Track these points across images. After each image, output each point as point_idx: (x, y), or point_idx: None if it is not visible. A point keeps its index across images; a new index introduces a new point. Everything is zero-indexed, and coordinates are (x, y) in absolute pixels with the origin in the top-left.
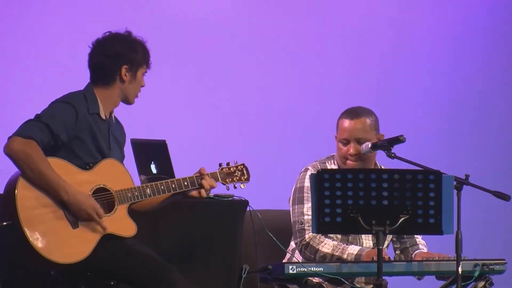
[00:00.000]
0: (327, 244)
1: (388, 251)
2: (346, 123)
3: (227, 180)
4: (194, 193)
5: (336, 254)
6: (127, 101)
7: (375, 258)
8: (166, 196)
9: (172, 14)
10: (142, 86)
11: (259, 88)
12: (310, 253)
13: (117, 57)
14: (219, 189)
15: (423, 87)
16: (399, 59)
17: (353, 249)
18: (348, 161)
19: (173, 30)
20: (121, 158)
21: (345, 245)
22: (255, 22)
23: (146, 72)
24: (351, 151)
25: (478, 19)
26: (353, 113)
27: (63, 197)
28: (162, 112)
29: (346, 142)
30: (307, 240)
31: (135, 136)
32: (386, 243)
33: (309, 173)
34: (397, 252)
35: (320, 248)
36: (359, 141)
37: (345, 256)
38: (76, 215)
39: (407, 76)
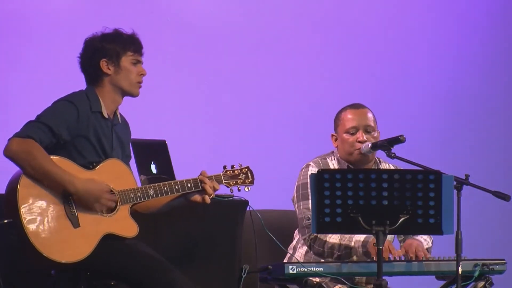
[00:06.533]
0: (334, 235)
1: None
2: (352, 113)
3: (231, 183)
4: (198, 198)
5: (344, 242)
6: (126, 92)
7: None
8: (169, 199)
9: (172, 14)
10: (143, 75)
11: (259, 88)
12: (319, 246)
13: (93, 54)
14: (220, 190)
15: (423, 87)
16: (399, 58)
17: (359, 236)
18: (356, 151)
19: (173, 30)
20: (123, 158)
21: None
22: (255, 21)
23: (137, 59)
24: (361, 138)
25: (477, 18)
26: (356, 105)
27: (69, 190)
28: (162, 112)
29: (354, 130)
30: (315, 233)
31: (135, 136)
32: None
33: (311, 168)
34: (401, 244)
35: (328, 240)
36: (367, 130)
37: (352, 243)
38: (86, 203)
39: (407, 75)
